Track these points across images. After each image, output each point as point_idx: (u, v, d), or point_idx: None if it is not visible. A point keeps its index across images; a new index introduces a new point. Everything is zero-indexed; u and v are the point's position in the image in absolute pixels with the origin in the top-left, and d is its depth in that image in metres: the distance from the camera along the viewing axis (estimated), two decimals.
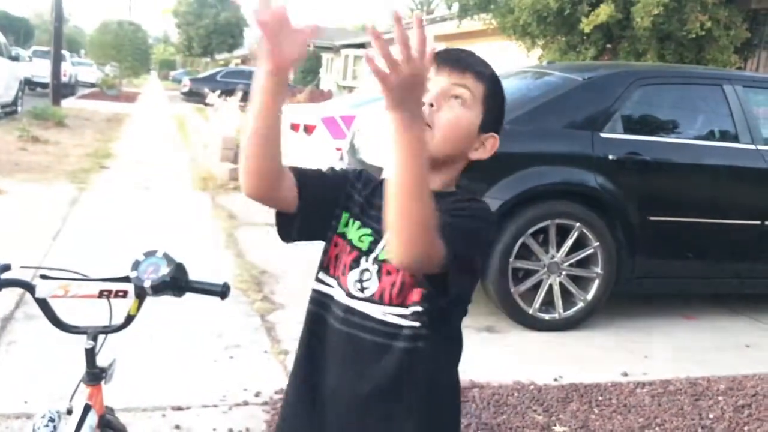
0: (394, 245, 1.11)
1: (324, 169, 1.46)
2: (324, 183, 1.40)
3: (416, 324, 1.29)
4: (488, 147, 1.36)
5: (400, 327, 1.30)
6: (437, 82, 1.28)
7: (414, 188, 1.06)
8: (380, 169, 4.53)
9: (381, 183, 1.38)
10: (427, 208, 1.08)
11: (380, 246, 1.33)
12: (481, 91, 1.32)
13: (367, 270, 1.33)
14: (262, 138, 1.21)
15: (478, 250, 1.31)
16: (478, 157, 1.35)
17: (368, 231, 1.35)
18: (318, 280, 1.40)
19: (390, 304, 1.31)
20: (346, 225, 1.38)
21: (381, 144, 4.73)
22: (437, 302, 1.28)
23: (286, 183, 1.32)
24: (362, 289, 1.33)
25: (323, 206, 1.37)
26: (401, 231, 1.09)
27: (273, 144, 1.23)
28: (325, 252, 1.39)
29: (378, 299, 1.31)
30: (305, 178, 1.36)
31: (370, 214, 1.36)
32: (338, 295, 1.35)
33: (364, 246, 1.34)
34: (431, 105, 1.27)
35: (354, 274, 1.34)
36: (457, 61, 1.31)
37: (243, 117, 11.57)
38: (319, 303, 1.39)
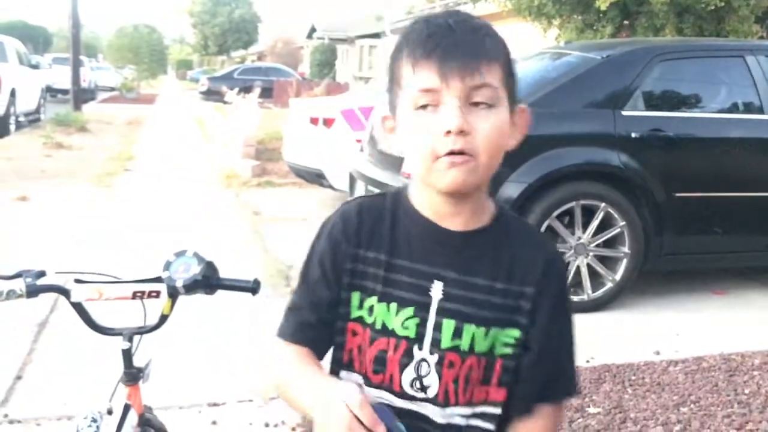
0: None
1: (305, 281, 1.15)
2: (317, 322, 1.12)
3: (490, 427, 1.10)
4: (521, 125, 1.09)
5: (470, 429, 1.09)
6: (450, 92, 0.98)
7: None
8: (401, 160, 4.51)
9: (395, 218, 1.10)
10: None
11: (431, 323, 1.06)
12: (500, 74, 1.02)
13: (424, 361, 1.06)
14: None
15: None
16: (515, 143, 1.09)
17: (410, 311, 1.06)
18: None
19: (456, 405, 1.07)
20: (361, 307, 1.09)
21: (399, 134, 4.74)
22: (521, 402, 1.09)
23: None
24: (423, 388, 1.07)
25: (330, 325, 1.12)
26: None
27: None
28: (340, 347, 1.11)
29: (441, 400, 1.07)
30: (313, 345, 1.12)
31: (400, 282, 1.07)
32: (387, 397, 1.08)
33: (412, 332, 1.06)
34: (461, 131, 0.98)
35: (410, 371, 1.06)
36: (464, 54, 0.99)
37: (262, 114, 11.63)
38: None
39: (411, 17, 29.76)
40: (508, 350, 1.08)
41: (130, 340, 1.57)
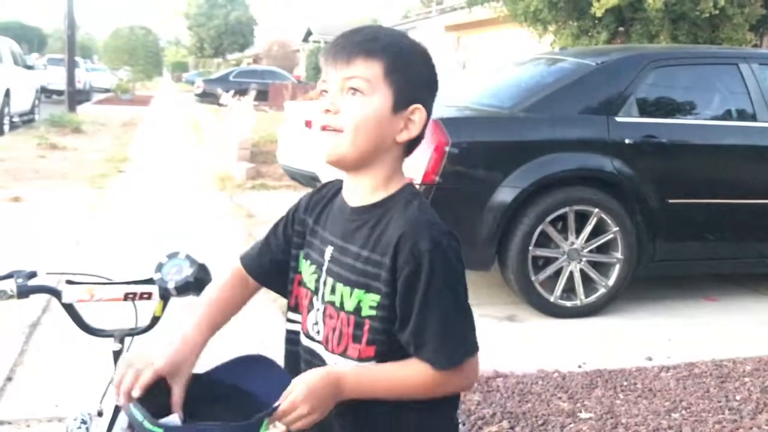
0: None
1: (274, 227, 1.42)
2: (269, 256, 1.39)
3: None
4: (417, 121, 1.23)
5: None
6: (331, 82, 1.22)
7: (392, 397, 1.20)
8: None
9: (333, 195, 1.34)
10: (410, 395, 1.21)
11: (322, 280, 1.28)
12: (378, 70, 1.19)
13: (318, 310, 1.29)
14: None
15: (467, 318, 1.23)
16: (408, 138, 1.23)
17: (313, 268, 1.30)
18: (288, 320, 1.37)
19: (333, 353, 1.25)
20: (300, 263, 1.35)
21: None
22: (396, 355, 1.21)
23: (251, 289, 1.42)
24: (317, 332, 1.29)
25: (282, 268, 1.37)
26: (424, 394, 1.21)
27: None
28: (290, 293, 1.36)
29: (324, 344, 1.27)
30: (255, 269, 1.40)
31: (313, 245, 1.32)
32: (301, 336, 1.33)
33: (312, 286, 1.30)
34: (327, 111, 1.21)
35: (311, 316, 1.30)
36: (338, 51, 1.21)
37: (257, 116, 11.63)
38: (292, 341, 1.36)
39: (407, 21, 29.80)
40: (373, 312, 1.21)
41: (122, 341, 1.57)
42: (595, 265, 4.29)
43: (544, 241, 4.20)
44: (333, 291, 1.25)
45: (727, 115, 4.73)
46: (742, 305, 4.68)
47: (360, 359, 1.22)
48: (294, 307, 1.35)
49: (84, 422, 1.53)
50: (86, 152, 10.80)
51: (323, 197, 1.36)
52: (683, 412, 3.07)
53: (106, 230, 5.90)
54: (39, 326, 3.65)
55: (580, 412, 3.02)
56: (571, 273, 4.24)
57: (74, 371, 3.09)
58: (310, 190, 6.04)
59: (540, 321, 4.19)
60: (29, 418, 2.74)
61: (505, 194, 4.04)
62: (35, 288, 1.50)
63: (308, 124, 7.07)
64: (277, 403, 1.13)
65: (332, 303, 1.25)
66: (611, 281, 4.28)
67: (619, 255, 4.26)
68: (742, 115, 4.66)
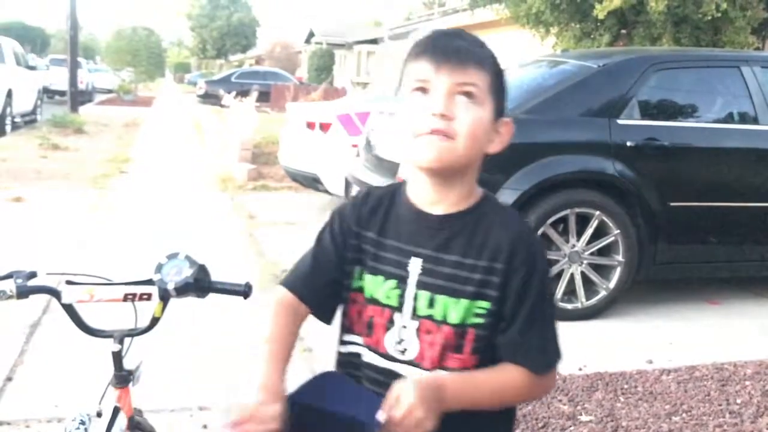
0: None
1: (319, 244, 1.32)
2: (320, 277, 1.29)
3: None
4: (504, 134, 1.24)
5: None
6: (439, 84, 1.16)
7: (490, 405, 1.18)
8: (396, 165, 4.54)
9: (389, 203, 1.28)
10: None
11: (410, 296, 1.21)
12: (487, 79, 1.18)
13: (404, 328, 1.22)
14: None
15: (556, 323, 1.23)
16: (496, 149, 1.23)
17: (392, 283, 1.23)
18: (342, 342, 1.30)
19: (432, 368, 1.20)
20: (361, 279, 1.27)
21: (395, 140, 4.74)
22: (493, 361, 1.20)
23: (301, 316, 1.32)
24: (403, 351, 1.22)
25: (333, 287, 1.29)
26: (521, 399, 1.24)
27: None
28: (345, 313, 1.29)
29: (419, 362, 1.21)
30: (307, 295, 1.30)
31: (386, 258, 1.25)
32: (369, 356, 1.25)
33: (393, 301, 1.23)
34: (444, 115, 1.15)
35: (392, 335, 1.23)
36: (452, 53, 1.17)
37: (259, 117, 11.63)
38: (349, 364, 1.29)
39: (409, 23, 29.80)
40: (480, 320, 1.19)
41: (121, 342, 1.56)
42: (596, 267, 4.29)
43: (546, 243, 4.19)
44: (431, 304, 1.20)
45: (729, 118, 4.72)
46: (743, 309, 4.67)
47: (461, 370, 1.20)
48: (349, 328, 1.29)
49: (83, 423, 1.52)
50: (88, 153, 10.80)
51: (378, 206, 1.29)
52: (684, 415, 3.07)
53: (107, 231, 5.90)
54: (39, 327, 3.64)
55: (581, 414, 3.02)
56: (572, 275, 4.23)
57: (74, 372, 3.09)
58: (312, 191, 5.99)
59: None
60: (29, 419, 2.74)
61: (506, 196, 4.03)
62: (35, 288, 1.49)
63: (310, 125, 7.08)
64: (381, 414, 1.07)
65: (430, 317, 1.20)
66: (612, 284, 4.28)
67: (620, 258, 4.25)
68: (744, 118, 4.66)
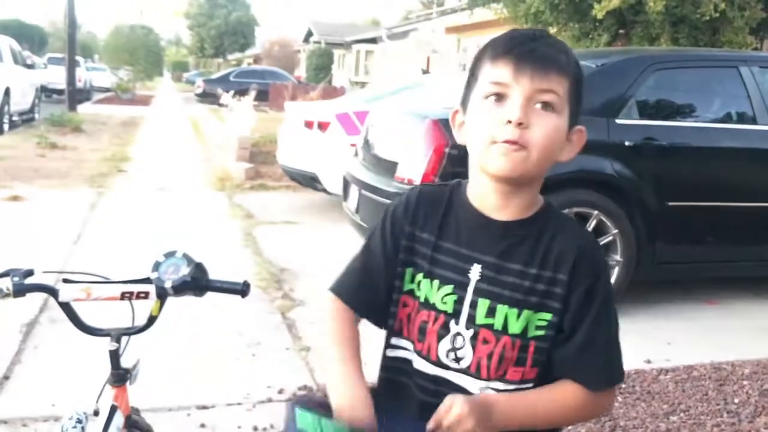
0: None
1: (368, 248, 1.28)
2: (370, 285, 1.25)
3: None
4: (576, 142, 1.20)
5: None
6: (518, 91, 1.11)
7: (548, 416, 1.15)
8: (395, 165, 4.52)
9: (448, 205, 1.24)
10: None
11: (468, 303, 1.18)
12: (567, 87, 1.14)
13: (459, 335, 1.18)
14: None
15: (619, 340, 1.19)
16: (567, 158, 1.20)
17: (449, 289, 1.19)
18: (391, 345, 1.26)
19: (488, 379, 1.17)
20: (413, 281, 1.22)
21: (393, 138, 4.74)
22: (550, 372, 1.17)
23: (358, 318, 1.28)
24: (457, 359, 1.18)
25: (386, 293, 1.25)
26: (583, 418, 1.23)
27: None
28: (393, 315, 1.25)
29: (474, 372, 1.17)
30: (358, 305, 1.27)
31: (443, 262, 1.20)
32: (420, 362, 1.21)
33: (449, 308, 1.19)
34: (520, 124, 1.10)
35: (446, 343, 1.19)
36: (538, 59, 1.11)
37: (257, 116, 11.63)
38: (397, 370, 1.25)
39: (408, 23, 29.80)
40: (541, 332, 1.16)
41: (118, 340, 1.56)
42: None
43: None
44: (491, 313, 1.16)
45: (727, 118, 4.72)
46: (741, 308, 4.68)
47: (521, 381, 1.17)
48: (399, 332, 1.25)
49: (80, 421, 1.52)
50: (86, 151, 10.79)
51: (433, 207, 1.24)
52: (682, 414, 3.07)
53: (104, 229, 5.89)
54: (36, 325, 3.64)
55: None
56: None
57: (71, 370, 3.08)
58: (310, 190, 5.98)
59: None
60: (25, 417, 2.73)
61: None
62: (31, 286, 1.49)
63: (309, 124, 7.07)
64: (431, 423, 1.07)
65: (489, 326, 1.16)
66: None
67: (618, 257, 4.25)
68: (742, 118, 4.66)
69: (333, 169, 6.30)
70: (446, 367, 1.19)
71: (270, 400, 2.99)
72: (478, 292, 1.17)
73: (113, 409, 1.53)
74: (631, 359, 3.63)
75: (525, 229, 1.19)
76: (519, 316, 1.16)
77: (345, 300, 1.27)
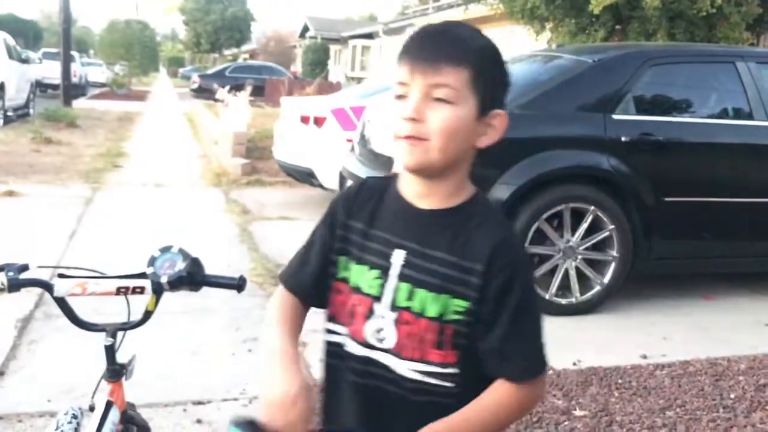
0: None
1: (311, 237, 1.35)
2: (308, 270, 1.32)
3: (448, 384, 1.21)
4: (497, 126, 1.22)
5: (426, 384, 1.21)
6: (413, 88, 1.16)
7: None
8: (391, 160, 4.52)
9: (380, 195, 1.29)
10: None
11: (391, 286, 1.23)
12: (466, 78, 1.16)
13: (383, 317, 1.23)
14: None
15: (543, 329, 1.24)
16: (488, 143, 1.22)
17: (376, 273, 1.24)
18: (327, 331, 1.31)
19: (411, 359, 1.21)
20: (347, 269, 1.28)
21: (390, 133, 4.73)
22: (474, 362, 1.20)
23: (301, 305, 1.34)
24: (381, 340, 1.23)
25: (322, 277, 1.31)
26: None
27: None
28: (330, 303, 1.30)
29: (398, 351, 1.22)
30: (297, 288, 1.33)
31: (371, 248, 1.26)
32: (351, 345, 1.26)
33: (375, 291, 1.24)
34: (414, 119, 1.15)
35: (372, 324, 1.23)
36: (424, 57, 1.16)
37: (253, 112, 11.60)
38: (333, 354, 1.30)
39: (404, 18, 29.76)
40: (458, 317, 1.19)
41: (114, 336, 1.55)
42: (590, 262, 4.29)
43: (540, 238, 4.19)
44: (410, 297, 1.21)
45: (723, 114, 4.72)
46: (738, 304, 4.69)
47: (442, 364, 1.20)
48: (334, 317, 1.29)
49: (75, 417, 1.52)
50: (81, 147, 10.76)
51: (369, 198, 1.30)
52: (678, 410, 3.07)
53: (100, 225, 5.87)
54: (32, 320, 3.62)
55: (575, 409, 3.02)
56: (567, 270, 4.23)
57: (66, 366, 3.07)
58: (306, 186, 5.99)
59: None
60: (21, 413, 2.72)
61: (501, 191, 4.03)
62: (26, 281, 1.48)
63: (305, 119, 7.06)
64: None
65: (408, 308, 1.21)
66: (607, 279, 4.28)
67: (614, 253, 4.25)
68: (738, 113, 4.66)
69: (329, 164, 6.29)
70: (373, 347, 1.24)
71: None
72: (401, 277, 1.22)
73: (109, 405, 1.53)
74: (628, 354, 3.64)
75: (448, 218, 1.22)
76: (436, 300, 1.19)
77: (284, 281, 1.35)
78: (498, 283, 1.17)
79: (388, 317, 1.22)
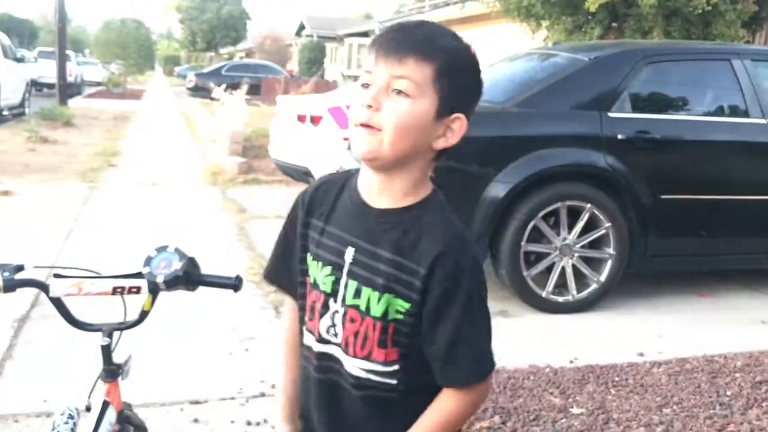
0: None
1: (282, 230, 1.39)
2: (281, 263, 1.38)
3: (391, 381, 1.23)
4: (456, 130, 1.20)
5: (370, 381, 1.23)
6: (376, 77, 1.16)
7: None
8: None
9: (338, 191, 1.29)
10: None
11: (342, 283, 1.24)
12: (429, 74, 1.14)
13: (336, 313, 1.24)
14: None
15: (490, 331, 1.25)
16: (444, 145, 1.20)
17: (328, 270, 1.25)
18: (302, 330, 1.33)
19: (355, 356, 1.22)
20: (308, 265, 1.30)
21: None
22: (417, 359, 1.21)
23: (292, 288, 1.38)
24: (336, 334, 1.25)
25: (292, 269, 1.35)
26: None
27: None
28: (301, 296, 1.32)
29: (344, 348, 1.24)
30: (283, 279, 1.39)
31: (325, 245, 1.27)
32: (311, 341, 1.29)
33: (328, 288, 1.25)
34: (370, 106, 1.15)
35: (326, 320, 1.25)
36: (391, 48, 1.15)
37: (249, 111, 11.59)
38: (304, 355, 1.33)
39: (400, 16, 29.73)
40: (401, 317, 1.20)
41: (110, 336, 1.55)
42: (587, 260, 4.29)
43: (537, 236, 4.19)
44: (357, 294, 1.22)
45: (719, 111, 4.74)
46: (733, 301, 4.69)
47: (385, 362, 1.21)
48: (301, 313, 1.32)
49: (71, 417, 1.51)
50: (77, 146, 10.73)
51: (326, 194, 1.30)
52: (674, 407, 3.08)
53: (96, 224, 5.86)
54: (28, 320, 3.62)
55: (572, 407, 3.02)
56: (563, 268, 4.24)
57: (63, 366, 3.07)
58: (303, 184, 5.99)
59: (532, 316, 4.19)
60: (17, 413, 2.71)
61: (497, 189, 4.03)
62: (22, 282, 1.48)
63: (301, 118, 7.05)
64: None
65: (356, 306, 1.22)
66: (603, 277, 4.29)
67: (611, 250, 4.26)
68: (734, 110, 4.67)
69: (326, 163, 6.27)
70: (328, 342, 1.26)
71: (263, 395, 2.99)
72: (350, 274, 1.23)
73: (105, 405, 1.52)
74: (624, 352, 3.65)
75: (397, 217, 1.21)
76: (380, 300, 1.19)
77: (265, 277, 1.43)
78: (440, 289, 1.17)
79: (339, 313, 1.24)
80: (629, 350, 3.70)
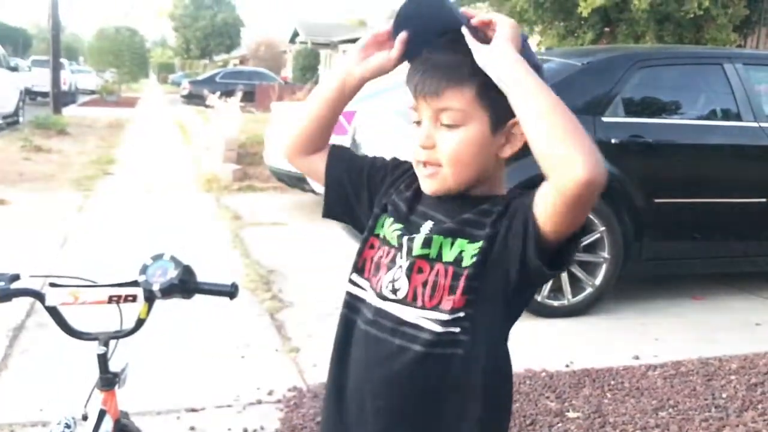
0: (577, 159, 1.05)
1: (369, 155, 1.42)
2: (350, 165, 1.37)
3: (455, 330, 1.18)
4: (518, 134, 1.19)
5: (436, 333, 1.18)
6: (423, 114, 1.19)
7: (556, 103, 1.17)
8: None
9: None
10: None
11: (406, 239, 1.22)
12: (470, 97, 1.15)
13: (400, 267, 1.22)
14: (332, 109, 1.34)
15: None
16: (511, 152, 1.22)
17: (399, 226, 1.25)
18: (350, 281, 1.30)
19: (423, 308, 1.19)
20: (383, 226, 1.29)
21: (382, 139, 4.74)
22: (483, 308, 1.18)
23: (322, 155, 1.39)
24: (394, 291, 1.22)
25: (348, 187, 1.36)
26: (578, 140, 1.09)
27: (336, 115, 1.35)
28: (359, 253, 1.30)
29: (411, 301, 1.21)
30: (335, 155, 1.38)
31: (401, 211, 1.28)
32: (370, 296, 1.26)
33: (395, 241, 1.24)
34: (424, 147, 1.18)
35: (389, 275, 1.23)
36: (426, 84, 1.17)
37: (244, 118, 11.59)
38: (351, 306, 1.29)
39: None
40: (474, 260, 1.18)
41: (106, 344, 1.55)
42: (581, 264, 4.30)
43: None
44: (427, 244, 1.21)
45: (712, 115, 4.76)
46: (728, 304, 4.71)
47: (452, 311, 1.17)
48: (360, 270, 1.29)
49: (68, 426, 1.51)
50: (72, 154, 10.72)
51: (414, 178, 1.29)
52: (670, 410, 3.09)
53: (91, 233, 5.86)
54: (23, 329, 3.61)
55: (568, 411, 3.03)
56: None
57: (59, 375, 3.06)
58: (298, 191, 5.96)
59: (527, 320, 4.19)
60: (13, 423, 2.71)
61: None
62: (18, 291, 1.48)
63: None
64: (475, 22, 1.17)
65: (425, 256, 1.20)
66: (598, 281, 4.30)
67: (605, 254, 4.27)
68: (726, 114, 4.69)
69: None
70: (385, 299, 1.23)
71: (260, 402, 2.99)
72: (420, 229, 1.24)
73: (102, 414, 1.52)
74: (620, 355, 3.66)
75: (483, 201, 1.22)
76: (452, 245, 1.20)
77: (332, 150, 1.40)
78: (506, 222, 1.17)
79: (404, 267, 1.22)
80: (625, 354, 3.71)
